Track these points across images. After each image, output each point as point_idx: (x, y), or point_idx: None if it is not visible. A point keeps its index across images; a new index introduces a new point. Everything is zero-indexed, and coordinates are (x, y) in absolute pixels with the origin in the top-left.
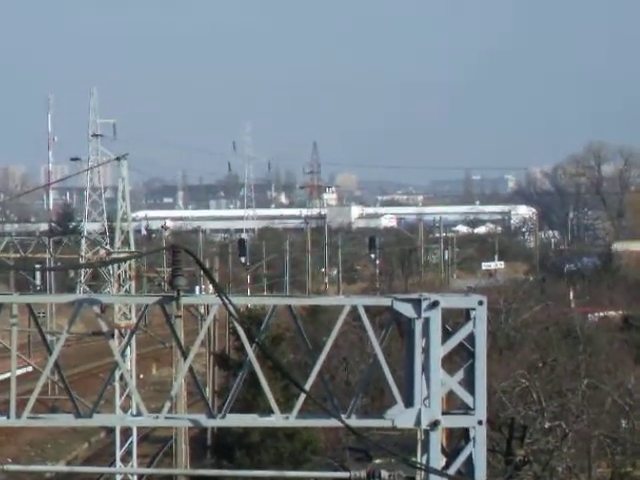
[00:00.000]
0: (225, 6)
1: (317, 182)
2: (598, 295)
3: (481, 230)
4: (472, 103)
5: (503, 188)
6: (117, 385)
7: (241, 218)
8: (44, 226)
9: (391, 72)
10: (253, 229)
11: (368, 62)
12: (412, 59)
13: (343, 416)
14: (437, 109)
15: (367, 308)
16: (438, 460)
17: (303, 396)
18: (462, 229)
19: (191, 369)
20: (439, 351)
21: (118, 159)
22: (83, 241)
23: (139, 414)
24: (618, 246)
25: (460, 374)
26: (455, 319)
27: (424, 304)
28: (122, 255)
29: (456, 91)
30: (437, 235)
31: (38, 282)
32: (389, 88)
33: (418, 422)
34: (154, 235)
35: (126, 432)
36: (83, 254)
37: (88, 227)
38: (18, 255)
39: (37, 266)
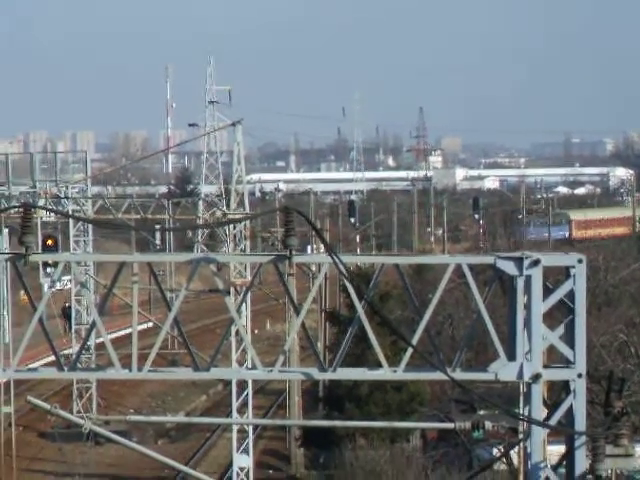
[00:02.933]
0: None
1: (423, 145)
2: None
3: (580, 191)
4: (572, 68)
5: (602, 151)
6: (233, 340)
7: (350, 180)
8: (163, 189)
9: (493, 38)
10: (362, 191)
11: (471, 29)
12: (513, 25)
13: (448, 369)
14: (538, 74)
15: (471, 266)
16: (539, 411)
17: (410, 350)
18: (562, 190)
19: (303, 325)
20: (540, 307)
21: (233, 124)
22: (200, 203)
23: (254, 367)
24: None
25: (560, 329)
26: (556, 276)
27: (526, 262)
28: (237, 216)
29: (557, 56)
30: (538, 196)
31: (158, 242)
32: (492, 54)
33: (520, 375)
34: (268, 197)
35: (242, 385)
36: (200, 215)
37: (205, 189)
38: (139, 216)
39: (157, 227)
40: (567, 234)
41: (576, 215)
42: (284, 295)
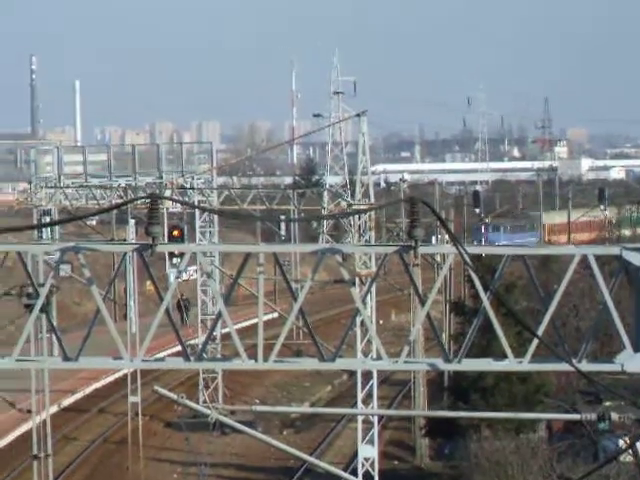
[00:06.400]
0: None
1: (548, 136)
2: None
3: None
4: None
5: None
6: (358, 330)
7: (475, 171)
8: (288, 179)
9: (617, 25)
10: (487, 181)
11: (597, 15)
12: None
13: (574, 361)
14: None
15: (597, 257)
16: None
17: (536, 341)
18: None
19: (428, 315)
20: None
21: (358, 115)
22: (325, 193)
23: (379, 358)
24: None
25: None
26: None
27: None
28: (362, 207)
29: None
30: None
31: (283, 232)
32: (617, 41)
33: None
34: (392, 188)
35: (367, 375)
36: (325, 206)
37: (330, 180)
38: (264, 207)
39: (282, 217)
40: (537, 240)
41: (549, 219)
42: (409, 286)
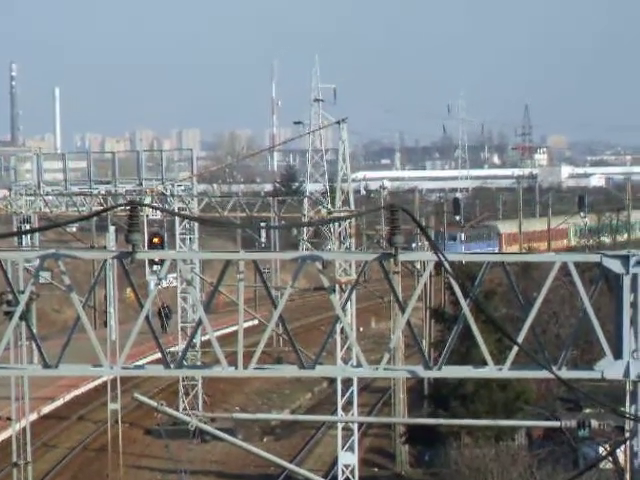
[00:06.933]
0: None
1: (528, 143)
2: None
3: None
4: None
5: None
6: (338, 338)
7: (455, 178)
8: (268, 187)
9: (598, 34)
10: (467, 188)
11: (577, 26)
12: (618, 22)
13: (554, 368)
14: None
15: (577, 264)
16: None
17: (516, 348)
18: None
19: (408, 322)
20: None
21: (338, 123)
22: (305, 201)
23: (359, 365)
24: None
25: None
26: None
27: (632, 260)
28: (342, 214)
29: None
30: None
31: (263, 240)
32: (599, 48)
33: (627, 374)
34: (372, 195)
35: (347, 382)
36: (305, 213)
37: (310, 187)
38: (244, 214)
39: (262, 224)
40: (496, 249)
41: (506, 228)
42: (389, 293)
